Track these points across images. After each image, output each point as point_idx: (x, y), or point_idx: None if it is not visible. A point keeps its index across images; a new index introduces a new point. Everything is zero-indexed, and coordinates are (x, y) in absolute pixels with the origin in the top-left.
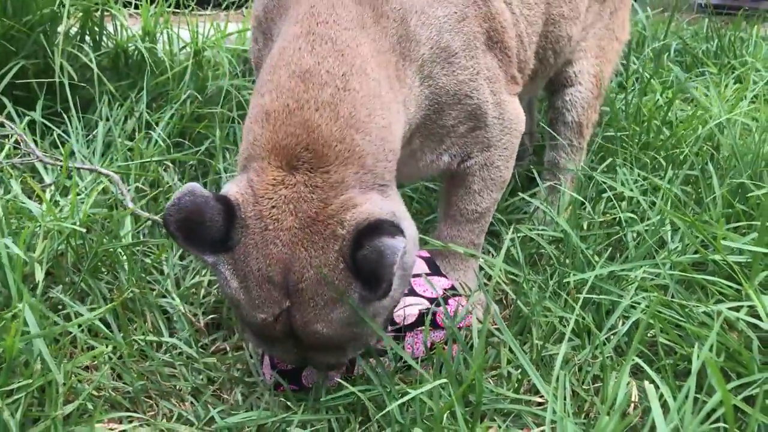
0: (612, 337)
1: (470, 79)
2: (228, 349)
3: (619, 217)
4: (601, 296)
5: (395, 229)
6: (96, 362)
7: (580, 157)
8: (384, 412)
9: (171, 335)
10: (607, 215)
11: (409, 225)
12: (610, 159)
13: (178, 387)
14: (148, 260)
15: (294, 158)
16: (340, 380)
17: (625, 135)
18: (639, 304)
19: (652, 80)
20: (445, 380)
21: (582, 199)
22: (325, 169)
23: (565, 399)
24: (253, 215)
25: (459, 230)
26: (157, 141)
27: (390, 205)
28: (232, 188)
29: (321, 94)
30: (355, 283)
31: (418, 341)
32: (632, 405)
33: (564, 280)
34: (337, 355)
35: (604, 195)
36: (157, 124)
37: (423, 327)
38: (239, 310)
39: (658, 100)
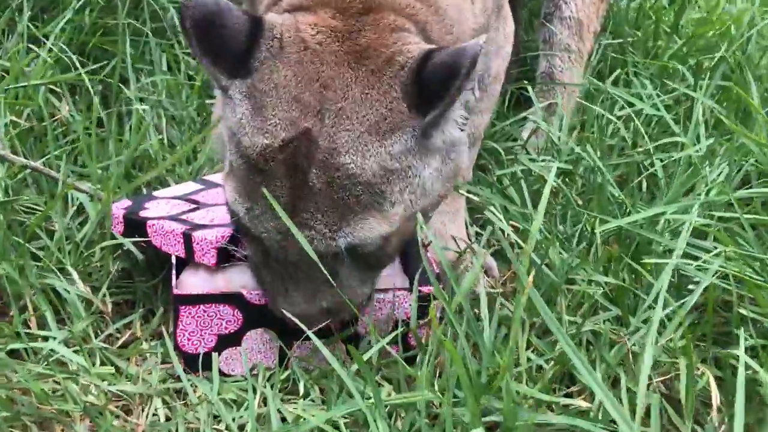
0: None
1: None
2: (144, 340)
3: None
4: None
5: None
6: None
7: (580, 67)
8: None
9: (62, 324)
10: (616, 138)
11: None
12: (618, 71)
13: (66, 411)
14: (30, 221)
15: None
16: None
17: (627, 42)
18: (697, 260)
19: None
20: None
21: (597, 109)
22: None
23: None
24: (292, 39)
25: None
26: (45, 60)
27: None
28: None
29: None
30: (408, 113)
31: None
32: (714, 409)
33: (584, 227)
34: (333, 229)
35: (616, 114)
36: (45, 38)
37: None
38: (232, 144)
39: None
